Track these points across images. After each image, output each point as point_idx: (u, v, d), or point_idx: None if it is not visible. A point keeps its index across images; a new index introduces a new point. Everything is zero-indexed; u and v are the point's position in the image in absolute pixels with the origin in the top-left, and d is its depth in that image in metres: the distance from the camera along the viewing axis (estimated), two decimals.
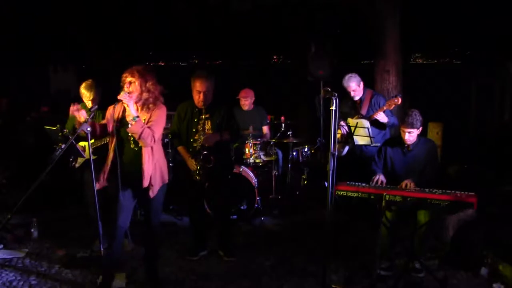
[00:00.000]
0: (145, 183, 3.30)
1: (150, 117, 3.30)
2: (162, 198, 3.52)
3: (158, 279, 3.67)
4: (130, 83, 3.21)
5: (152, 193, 3.36)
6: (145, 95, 3.24)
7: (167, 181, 3.50)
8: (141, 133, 3.19)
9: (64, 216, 5.39)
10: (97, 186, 3.29)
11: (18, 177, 6.03)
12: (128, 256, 4.20)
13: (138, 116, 3.18)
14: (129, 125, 3.17)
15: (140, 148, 3.29)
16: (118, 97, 3.15)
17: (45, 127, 4.07)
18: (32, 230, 4.74)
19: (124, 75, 3.24)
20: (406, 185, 3.72)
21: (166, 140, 5.76)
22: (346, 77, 4.96)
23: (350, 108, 5.09)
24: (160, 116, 3.34)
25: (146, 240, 3.67)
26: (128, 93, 3.17)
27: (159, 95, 3.32)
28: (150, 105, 3.30)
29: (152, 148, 3.32)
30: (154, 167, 3.34)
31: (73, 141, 3.12)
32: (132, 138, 3.30)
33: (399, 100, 4.60)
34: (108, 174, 3.36)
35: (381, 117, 4.73)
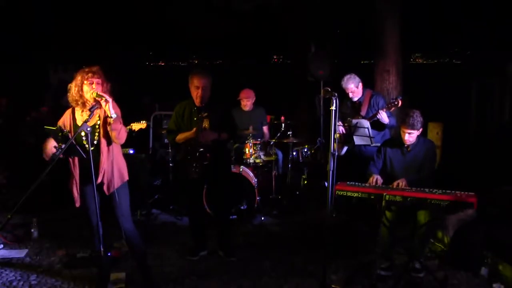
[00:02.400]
0: (99, 179, 3.26)
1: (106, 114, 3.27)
2: (126, 198, 3.45)
3: (151, 277, 3.62)
4: (97, 84, 3.23)
5: (107, 190, 3.32)
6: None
7: (126, 178, 3.44)
8: (121, 129, 3.22)
9: (64, 216, 5.39)
10: (76, 203, 3.32)
11: (18, 177, 6.02)
12: (128, 256, 4.20)
13: (115, 114, 3.20)
14: (109, 123, 3.17)
15: (96, 147, 3.28)
16: (100, 93, 3.15)
17: (45, 127, 4.07)
18: (32, 230, 4.74)
19: (88, 75, 3.21)
20: (398, 184, 3.72)
21: (166, 140, 5.76)
22: (345, 78, 4.95)
23: (349, 108, 5.09)
24: (119, 112, 3.32)
25: (127, 242, 3.58)
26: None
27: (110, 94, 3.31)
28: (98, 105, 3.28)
29: (109, 146, 3.31)
30: (111, 164, 3.31)
31: (73, 141, 3.12)
32: (86, 139, 3.22)
33: (400, 103, 4.57)
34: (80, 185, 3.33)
35: (383, 116, 4.71)
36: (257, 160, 5.57)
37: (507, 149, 5.84)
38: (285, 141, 5.83)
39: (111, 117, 3.16)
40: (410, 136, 3.81)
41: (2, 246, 4.53)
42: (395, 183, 3.75)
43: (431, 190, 3.56)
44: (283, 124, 5.90)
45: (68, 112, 3.38)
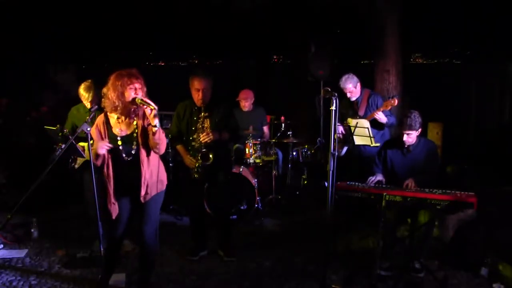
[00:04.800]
0: (143, 192, 3.19)
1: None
2: (159, 205, 3.38)
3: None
4: (139, 88, 3.07)
5: (143, 198, 3.23)
6: None
7: (164, 187, 3.36)
8: (163, 139, 3.11)
9: (64, 216, 5.39)
10: (114, 215, 3.19)
11: (18, 177, 6.03)
12: (129, 257, 4.20)
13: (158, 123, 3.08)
14: (153, 133, 3.03)
15: (135, 158, 3.16)
16: (145, 100, 2.98)
17: (45, 127, 4.07)
18: (32, 230, 4.74)
19: (131, 79, 3.04)
20: (407, 185, 3.72)
21: (166, 140, 5.75)
22: (343, 78, 4.95)
23: (348, 108, 5.09)
24: (157, 120, 3.23)
25: (141, 251, 3.46)
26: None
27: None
28: (141, 110, 3.17)
29: (149, 156, 3.21)
30: (150, 174, 3.23)
31: (73, 141, 3.11)
32: (123, 150, 3.15)
33: (396, 101, 4.59)
34: (114, 192, 3.21)
35: (380, 116, 4.73)
36: (257, 160, 5.57)
37: (507, 149, 5.84)
38: (285, 141, 5.83)
39: (155, 126, 3.01)
40: (409, 137, 3.81)
41: (2, 246, 4.53)
42: (404, 184, 3.74)
43: (431, 190, 3.56)
44: (283, 124, 5.89)
45: (100, 119, 3.19)
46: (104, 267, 3.49)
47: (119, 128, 3.16)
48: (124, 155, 3.14)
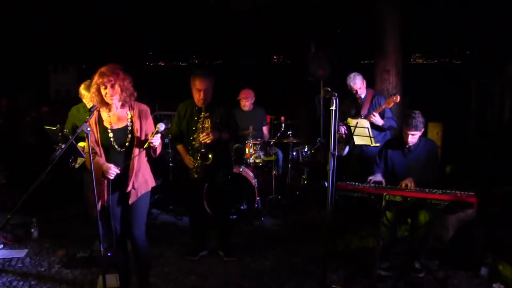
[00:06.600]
0: (130, 186, 3.20)
1: (145, 124, 3.24)
2: (146, 206, 3.38)
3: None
4: (111, 87, 3.11)
5: (130, 199, 3.24)
6: (124, 94, 3.16)
7: (150, 188, 3.36)
8: (160, 145, 3.21)
9: (64, 216, 5.39)
10: (99, 206, 3.15)
11: (18, 177, 6.03)
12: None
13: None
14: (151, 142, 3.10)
15: (127, 149, 3.19)
16: (150, 141, 3.09)
17: (45, 127, 4.07)
18: (32, 230, 4.75)
19: (100, 80, 3.09)
20: (406, 185, 3.71)
21: (166, 140, 5.75)
22: (351, 75, 4.96)
23: (351, 108, 5.09)
24: (152, 123, 3.31)
25: (135, 254, 3.43)
26: (110, 95, 3.12)
27: (133, 89, 3.21)
28: (131, 102, 3.22)
29: (139, 149, 3.24)
30: (138, 170, 3.24)
31: (73, 141, 3.11)
32: (115, 142, 3.19)
33: (398, 98, 4.59)
34: (108, 188, 3.21)
35: (376, 119, 4.73)
36: (257, 160, 5.57)
37: (507, 149, 5.84)
38: (285, 141, 5.83)
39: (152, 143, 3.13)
40: (413, 138, 3.80)
41: (2, 246, 4.53)
42: (403, 183, 3.72)
43: (431, 190, 3.55)
44: (283, 124, 5.89)
45: (93, 117, 3.22)
46: (122, 270, 3.46)
47: (110, 121, 3.21)
48: (116, 146, 3.18)
